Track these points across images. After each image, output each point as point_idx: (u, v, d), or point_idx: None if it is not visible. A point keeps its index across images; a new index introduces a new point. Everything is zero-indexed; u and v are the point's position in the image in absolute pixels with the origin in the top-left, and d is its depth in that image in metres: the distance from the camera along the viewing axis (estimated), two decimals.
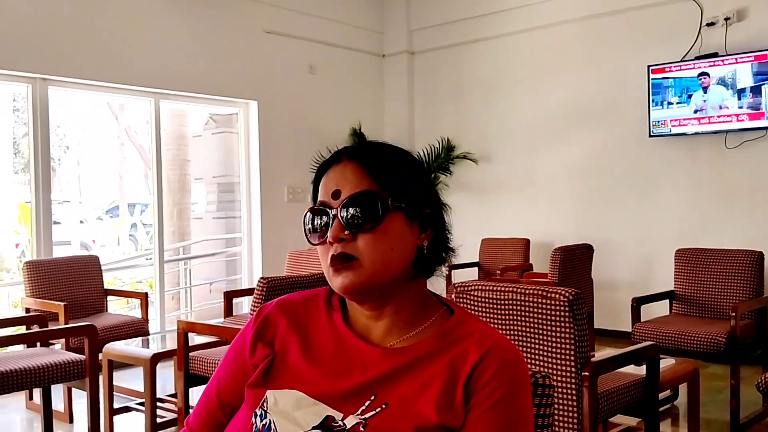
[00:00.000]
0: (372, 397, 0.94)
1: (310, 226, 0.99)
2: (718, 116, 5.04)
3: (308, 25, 6.38)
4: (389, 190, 0.96)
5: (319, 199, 0.99)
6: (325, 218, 0.97)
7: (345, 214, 0.95)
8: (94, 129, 11.38)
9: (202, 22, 5.60)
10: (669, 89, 5.25)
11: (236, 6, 5.85)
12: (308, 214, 0.99)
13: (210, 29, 5.66)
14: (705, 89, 5.08)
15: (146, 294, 4.52)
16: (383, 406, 0.93)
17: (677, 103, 5.21)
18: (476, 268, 6.07)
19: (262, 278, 2.88)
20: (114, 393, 3.56)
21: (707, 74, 5.06)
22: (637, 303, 3.96)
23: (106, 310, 4.67)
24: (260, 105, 6.03)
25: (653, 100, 5.32)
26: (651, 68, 5.32)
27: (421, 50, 6.96)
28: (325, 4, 6.54)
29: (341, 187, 0.96)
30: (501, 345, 0.96)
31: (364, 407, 0.93)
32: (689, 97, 5.16)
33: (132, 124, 11.33)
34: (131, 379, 4.13)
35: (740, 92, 4.93)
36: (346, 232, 0.95)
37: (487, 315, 2.53)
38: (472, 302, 2.58)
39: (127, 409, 3.69)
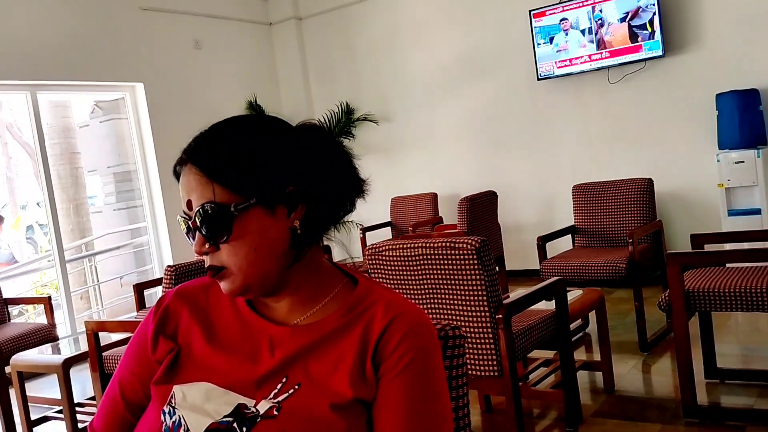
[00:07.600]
0: (283, 380, 0.92)
1: (184, 232, 0.96)
2: (599, 53, 5.24)
3: None
4: (235, 190, 0.91)
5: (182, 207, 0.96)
6: (186, 228, 0.95)
7: (200, 229, 0.92)
8: None
9: (70, 4, 5.26)
10: (550, 31, 5.40)
11: None
12: (179, 220, 0.96)
13: (81, 11, 5.32)
14: (585, 30, 5.26)
15: (49, 298, 4.31)
16: (296, 387, 0.91)
17: (560, 44, 5.38)
18: (389, 228, 6.14)
19: (168, 266, 2.80)
20: (30, 404, 3.42)
21: (585, 13, 5.23)
22: (542, 241, 4.10)
23: (9, 320, 4.43)
24: (147, 86, 5.77)
25: (537, 44, 5.47)
26: (532, 12, 5.45)
27: (308, 15, 6.84)
28: None
29: (191, 197, 0.93)
30: (407, 311, 0.94)
31: (276, 390, 0.91)
32: (570, 37, 5.33)
33: (14, 121, 10.64)
34: (47, 388, 3.96)
35: (617, 27, 5.14)
36: (207, 246, 0.93)
37: (401, 273, 2.57)
38: (385, 263, 2.61)
39: (45, 419, 3.55)
